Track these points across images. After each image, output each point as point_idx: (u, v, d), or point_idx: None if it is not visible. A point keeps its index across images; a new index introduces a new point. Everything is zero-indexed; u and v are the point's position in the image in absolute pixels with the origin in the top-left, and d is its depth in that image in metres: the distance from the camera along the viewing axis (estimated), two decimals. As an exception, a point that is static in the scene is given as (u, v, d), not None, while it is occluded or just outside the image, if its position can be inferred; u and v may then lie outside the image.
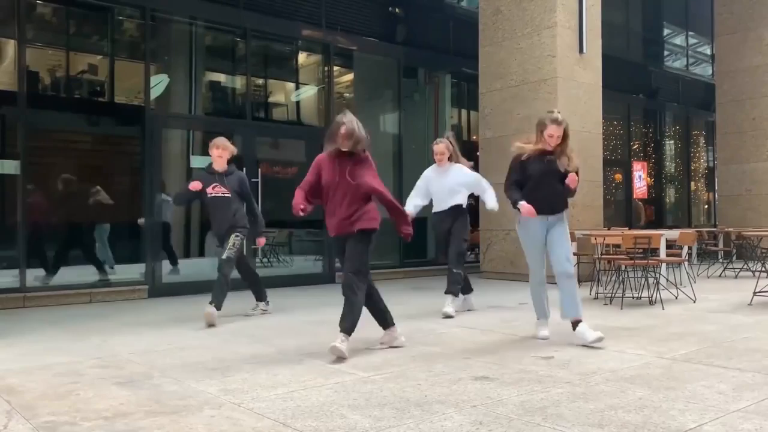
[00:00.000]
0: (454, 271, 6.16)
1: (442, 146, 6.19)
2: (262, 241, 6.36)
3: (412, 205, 6.27)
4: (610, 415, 2.93)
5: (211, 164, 5.98)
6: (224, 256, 5.81)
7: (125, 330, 5.50)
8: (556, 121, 4.58)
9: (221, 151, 5.91)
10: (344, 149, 4.29)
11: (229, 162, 6.01)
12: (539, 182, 4.63)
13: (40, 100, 8.04)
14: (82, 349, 4.63)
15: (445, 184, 6.16)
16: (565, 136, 4.63)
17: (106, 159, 9.31)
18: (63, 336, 5.27)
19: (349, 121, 4.29)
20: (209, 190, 5.88)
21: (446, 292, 6.20)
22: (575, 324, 4.66)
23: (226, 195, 5.89)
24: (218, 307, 5.66)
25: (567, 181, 4.58)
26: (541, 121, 4.65)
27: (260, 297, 6.32)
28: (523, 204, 4.58)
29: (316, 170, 4.41)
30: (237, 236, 5.89)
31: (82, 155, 9.07)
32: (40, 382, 3.66)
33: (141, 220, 8.21)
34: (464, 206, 6.24)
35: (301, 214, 4.31)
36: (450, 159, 6.21)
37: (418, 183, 6.37)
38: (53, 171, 8.25)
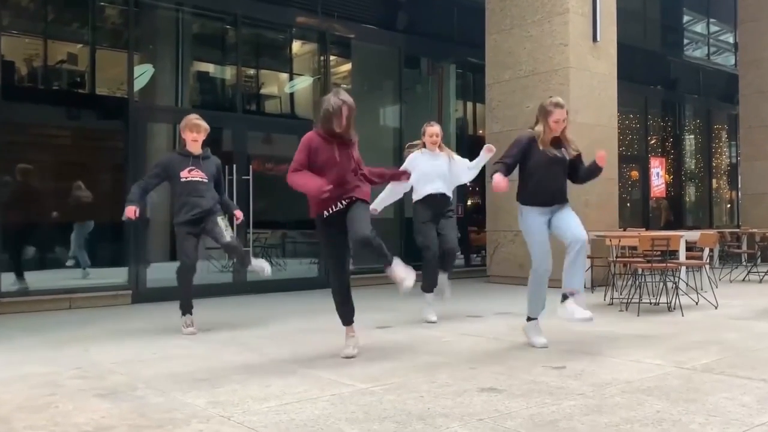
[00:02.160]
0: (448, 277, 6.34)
1: (437, 128, 6.19)
2: (240, 213, 6.13)
3: (394, 196, 6.21)
4: (626, 429, 2.93)
5: (184, 146, 5.70)
6: (229, 238, 5.64)
7: (107, 338, 5.50)
8: (559, 105, 4.71)
9: (196, 135, 5.64)
10: (343, 133, 4.35)
11: (203, 144, 5.76)
12: (547, 173, 4.73)
13: (16, 92, 8.02)
14: (61, 359, 4.62)
15: (440, 165, 6.13)
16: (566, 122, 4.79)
17: (87, 154, 9.30)
18: (41, 344, 5.27)
19: (351, 102, 4.34)
20: (184, 173, 5.57)
21: (445, 271, 6.30)
22: (567, 296, 4.70)
23: (203, 180, 5.64)
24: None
25: (597, 160, 4.78)
26: (544, 108, 4.75)
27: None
28: (495, 177, 4.58)
29: (307, 151, 4.39)
30: (223, 218, 5.69)
31: (62, 150, 9.07)
32: (16, 394, 3.66)
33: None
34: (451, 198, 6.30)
35: (326, 195, 4.24)
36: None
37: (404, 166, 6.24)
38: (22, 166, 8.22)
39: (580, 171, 4.93)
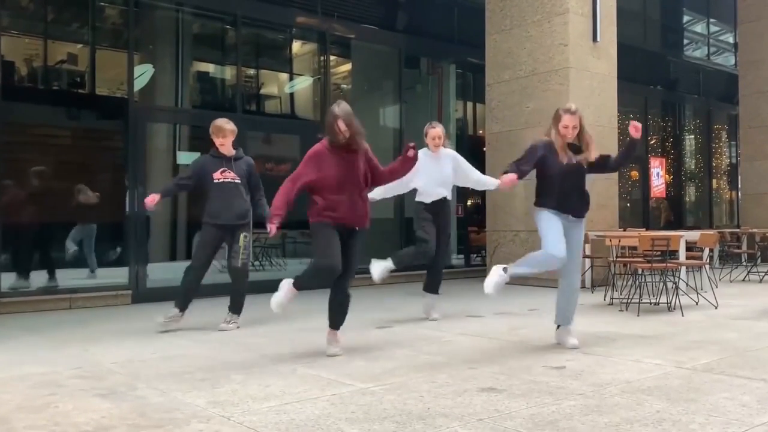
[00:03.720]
0: (443, 270, 6.33)
1: (439, 130, 6.14)
2: (273, 228, 5.72)
3: (401, 188, 6.12)
4: (626, 428, 2.93)
5: (216, 149, 5.80)
6: (240, 263, 5.75)
7: (107, 338, 5.50)
8: (569, 111, 4.69)
9: (222, 139, 5.73)
10: (354, 145, 4.49)
11: (235, 145, 5.86)
12: (563, 182, 4.68)
13: (16, 92, 8.03)
14: (62, 359, 4.62)
15: (440, 171, 6.11)
16: (581, 128, 4.72)
17: (86, 155, 9.31)
18: (41, 344, 5.27)
19: (345, 112, 4.47)
20: (216, 175, 5.68)
21: (433, 291, 6.28)
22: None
23: (235, 181, 5.73)
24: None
25: (630, 130, 4.63)
26: (556, 113, 4.75)
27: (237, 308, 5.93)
28: (506, 176, 4.59)
29: (315, 166, 4.50)
30: (246, 237, 5.76)
31: (61, 151, 9.08)
32: (15, 394, 3.66)
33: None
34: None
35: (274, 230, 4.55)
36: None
37: None
38: (30, 167, 8.25)
39: (611, 160, 4.91)
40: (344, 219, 4.47)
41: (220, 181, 5.70)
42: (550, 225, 4.65)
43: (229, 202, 5.70)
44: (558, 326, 4.91)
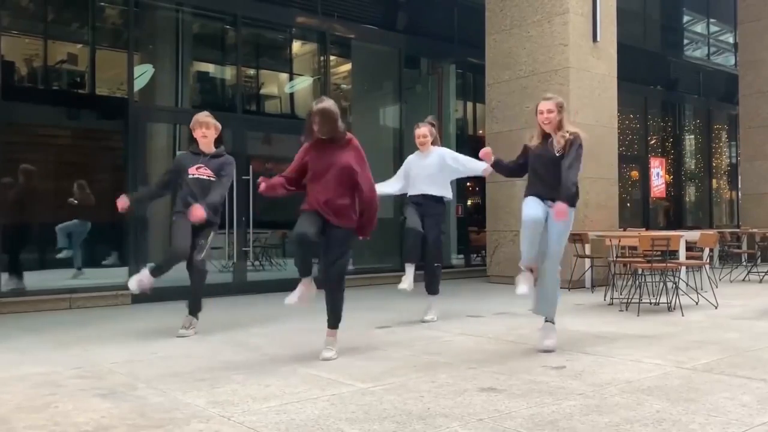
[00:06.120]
0: (436, 264, 6.18)
1: (425, 129, 6.18)
2: (197, 212, 5.35)
3: (389, 188, 6.26)
4: (626, 428, 2.93)
5: (197, 145, 5.68)
6: (201, 257, 5.54)
7: (107, 338, 5.50)
8: (545, 98, 4.83)
9: (205, 131, 5.61)
10: (323, 137, 4.52)
11: (218, 142, 5.72)
12: (534, 170, 4.86)
13: (16, 92, 8.03)
14: (61, 359, 4.62)
15: (425, 167, 6.14)
16: (561, 118, 4.76)
17: (86, 155, 9.32)
18: (41, 344, 5.26)
19: (321, 106, 4.48)
20: (192, 170, 5.55)
21: (430, 292, 6.24)
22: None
23: (210, 178, 5.56)
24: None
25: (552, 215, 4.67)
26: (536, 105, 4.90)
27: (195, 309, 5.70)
28: (485, 149, 5.06)
29: (302, 155, 4.64)
30: (211, 235, 5.61)
31: (62, 151, 9.08)
32: (15, 394, 3.66)
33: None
34: (445, 200, 6.23)
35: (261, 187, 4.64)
36: (433, 144, 6.23)
37: (400, 169, 6.38)
38: (30, 167, 8.24)
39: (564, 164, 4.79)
40: (316, 207, 4.52)
41: (195, 176, 5.56)
42: (523, 221, 4.91)
43: (196, 198, 5.48)
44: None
